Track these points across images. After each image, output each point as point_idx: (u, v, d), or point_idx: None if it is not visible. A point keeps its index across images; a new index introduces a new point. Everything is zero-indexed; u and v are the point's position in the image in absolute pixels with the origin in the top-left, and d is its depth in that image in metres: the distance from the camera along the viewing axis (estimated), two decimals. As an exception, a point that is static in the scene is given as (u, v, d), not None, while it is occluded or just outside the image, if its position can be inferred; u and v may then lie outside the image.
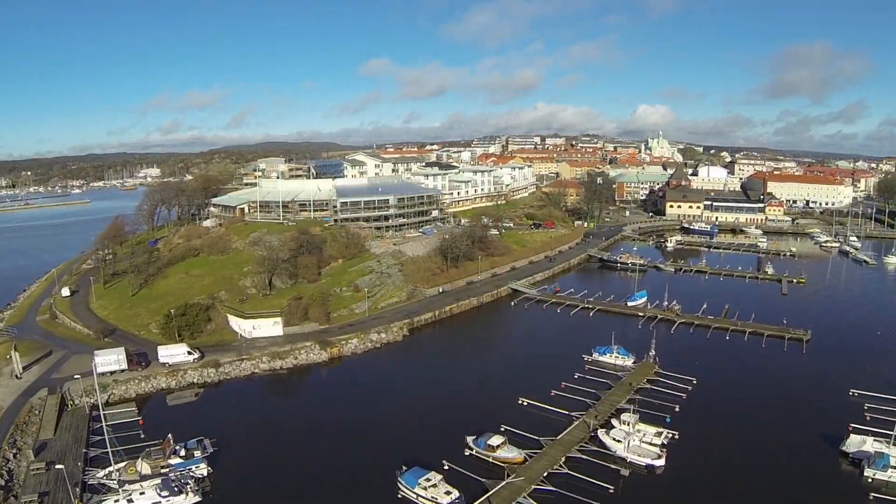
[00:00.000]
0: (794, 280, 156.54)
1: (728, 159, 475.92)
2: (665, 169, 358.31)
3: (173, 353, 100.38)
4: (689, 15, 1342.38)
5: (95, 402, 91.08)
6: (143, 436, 78.10)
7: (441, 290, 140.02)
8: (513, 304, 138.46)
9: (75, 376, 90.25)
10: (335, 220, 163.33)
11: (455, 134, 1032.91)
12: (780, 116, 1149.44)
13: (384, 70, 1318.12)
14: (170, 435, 74.06)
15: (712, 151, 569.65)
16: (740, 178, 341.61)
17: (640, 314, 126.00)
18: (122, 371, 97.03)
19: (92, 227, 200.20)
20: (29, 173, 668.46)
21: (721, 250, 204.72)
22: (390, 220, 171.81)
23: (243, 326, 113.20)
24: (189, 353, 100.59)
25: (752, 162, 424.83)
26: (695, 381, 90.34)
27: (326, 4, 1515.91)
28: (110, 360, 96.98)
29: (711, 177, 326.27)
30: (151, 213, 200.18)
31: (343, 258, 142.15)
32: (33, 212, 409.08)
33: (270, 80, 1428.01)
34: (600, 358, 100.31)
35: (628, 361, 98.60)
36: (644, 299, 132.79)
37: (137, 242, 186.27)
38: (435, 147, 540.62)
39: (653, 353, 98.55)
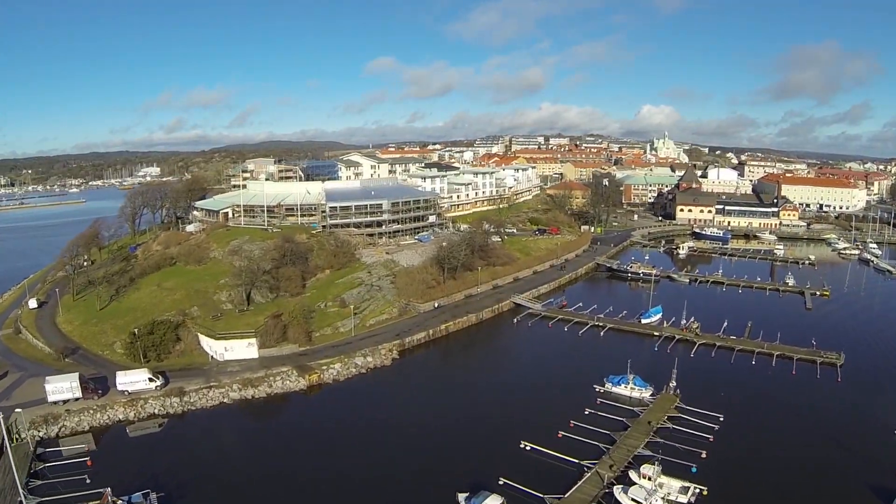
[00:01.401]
0: (818, 293, 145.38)
1: (734, 160, 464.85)
2: (673, 170, 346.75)
3: (133, 379, 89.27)
4: (696, 14, 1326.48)
5: (43, 435, 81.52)
6: (88, 481, 67.31)
7: (436, 305, 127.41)
8: (515, 320, 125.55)
9: (16, 409, 79.99)
10: (323, 227, 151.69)
11: (459, 133, 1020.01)
12: (784, 117, 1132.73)
13: (389, 69, 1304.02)
14: (109, 489, 63.10)
15: (718, 152, 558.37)
16: (751, 181, 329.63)
17: (656, 334, 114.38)
18: (77, 399, 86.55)
19: (83, 228, 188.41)
20: (29, 171, 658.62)
21: (736, 257, 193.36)
22: (384, 226, 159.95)
23: (215, 348, 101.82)
24: (150, 379, 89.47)
25: (763, 163, 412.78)
26: (722, 419, 78.83)
27: (332, 3, 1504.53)
28: (62, 387, 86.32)
29: (722, 179, 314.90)
30: (133, 216, 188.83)
31: (331, 268, 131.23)
32: (28, 211, 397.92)
33: (275, 78, 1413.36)
34: (614, 389, 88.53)
35: (646, 394, 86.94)
36: (659, 316, 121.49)
37: (119, 248, 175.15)
38: (437, 147, 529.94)
39: (673, 383, 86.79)
